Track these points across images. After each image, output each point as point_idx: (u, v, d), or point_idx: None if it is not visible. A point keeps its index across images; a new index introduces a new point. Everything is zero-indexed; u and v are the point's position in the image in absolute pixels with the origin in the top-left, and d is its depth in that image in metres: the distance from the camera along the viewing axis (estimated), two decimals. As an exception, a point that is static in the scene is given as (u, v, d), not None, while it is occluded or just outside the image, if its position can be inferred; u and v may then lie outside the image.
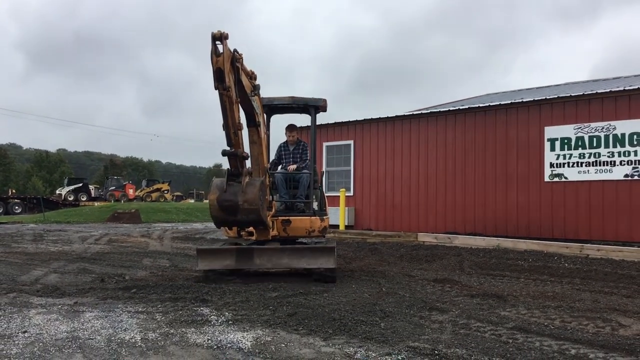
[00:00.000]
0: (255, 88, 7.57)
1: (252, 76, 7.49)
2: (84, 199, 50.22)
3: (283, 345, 4.65)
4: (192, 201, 63.16)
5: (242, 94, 7.09)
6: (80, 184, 52.87)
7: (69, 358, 4.28)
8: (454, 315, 5.83)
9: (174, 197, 63.25)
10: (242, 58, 6.93)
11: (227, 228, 7.99)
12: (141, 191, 59.41)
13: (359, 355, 4.39)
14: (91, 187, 56.17)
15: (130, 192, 56.25)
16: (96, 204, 45.63)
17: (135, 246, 14.06)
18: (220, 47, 6.48)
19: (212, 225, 25.80)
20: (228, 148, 6.89)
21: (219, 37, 6.44)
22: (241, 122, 7.02)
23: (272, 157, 9.37)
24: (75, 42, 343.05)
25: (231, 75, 6.64)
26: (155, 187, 61.08)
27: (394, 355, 4.36)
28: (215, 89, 6.57)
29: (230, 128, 6.80)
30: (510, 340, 4.83)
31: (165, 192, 60.71)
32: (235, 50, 6.74)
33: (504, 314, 5.93)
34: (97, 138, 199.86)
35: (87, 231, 19.90)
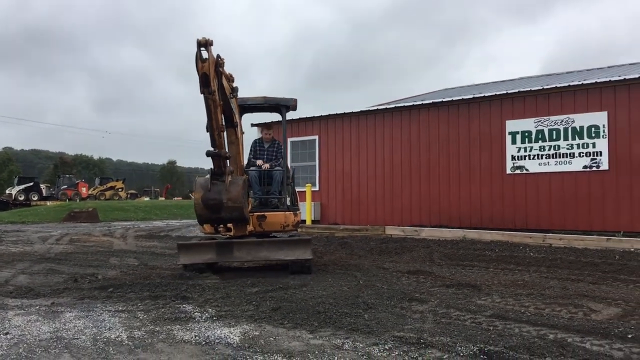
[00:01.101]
0: (234, 90, 7.89)
1: (230, 79, 7.78)
2: (35, 198, 48.82)
3: (272, 339, 4.67)
4: (147, 199, 62.02)
5: (223, 96, 7.36)
6: (31, 183, 51.33)
7: (57, 358, 4.21)
8: (433, 305, 5.95)
9: (129, 195, 62.00)
10: (224, 63, 7.16)
11: (203, 224, 8.23)
12: (94, 189, 58.04)
13: (347, 346, 4.45)
14: (42, 186, 54.58)
15: (83, 190, 54.93)
16: (48, 203, 44.44)
17: (99, 245, 13.79)
18: (204, 53, 6.70)
19: (174, 222, 25.54)
20: (212, 149, 7.17)
21: (204, 44, 6.67)
22: (223, 123, 7.32)
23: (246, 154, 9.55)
24: (24, 37, 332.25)
25: (215, 80, 6.91)
26: (109, 185, 59.78)
27: (380, 345, 4.43)
28: (201, 93, 6.85)
29: (215, 130, 7.09)
30: (491, 328, 4.97)
31: (120, 190, 59.47)
32: (218, 56, 6.97)
33: (480, 303, 6.10)
34: (45, 135, 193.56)
35: (46, 231, 19.39)
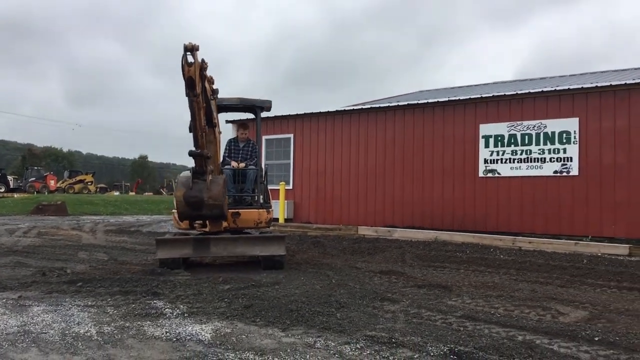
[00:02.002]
0: (214, 92, 8.05)
1: (210, 81, 7.88)
2: (2, 190, 47.71)
3: (244, 336, 4.66)
4: (117, 193, 61.12)
5: (205, 98, 7.49)
6: (-2, 175, 50.21)
7: (25, 352, 4.14)
8: (405, 305, 6.00)
9: (98, 189, 61.05)
10: (207, 66, 7.27)
11: (178, 220, 8.38)
12: (63, 182, 57.07)
13: (318, 344, 4.45)
14: (9, 177, 53.41)
15: (52, 183, 53.84)
16: (15, 195, 43.51)
17: (68, 239, 13.57)
18: (190, 58, 6.85)
19: (145, 218, 25.22)
20: (194, 149, 7.35)
21: (191, 49, 6.82)
22: (206, 124, 7.51)
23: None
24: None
25: (200, 83, 7.05)
26: (78, 178, 58.80)
27: (352, 344, 4.45)
28: (187, 96, 7.02)
29: (198, 130, 7.28)
30: (461, 328, 5.03)
31: (89, 183, 58.54)
32: (202, 60, 7.10)
33: (451, 303, 6.16)
34: (14, 127, 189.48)
35: (13, 223, 18.98)
